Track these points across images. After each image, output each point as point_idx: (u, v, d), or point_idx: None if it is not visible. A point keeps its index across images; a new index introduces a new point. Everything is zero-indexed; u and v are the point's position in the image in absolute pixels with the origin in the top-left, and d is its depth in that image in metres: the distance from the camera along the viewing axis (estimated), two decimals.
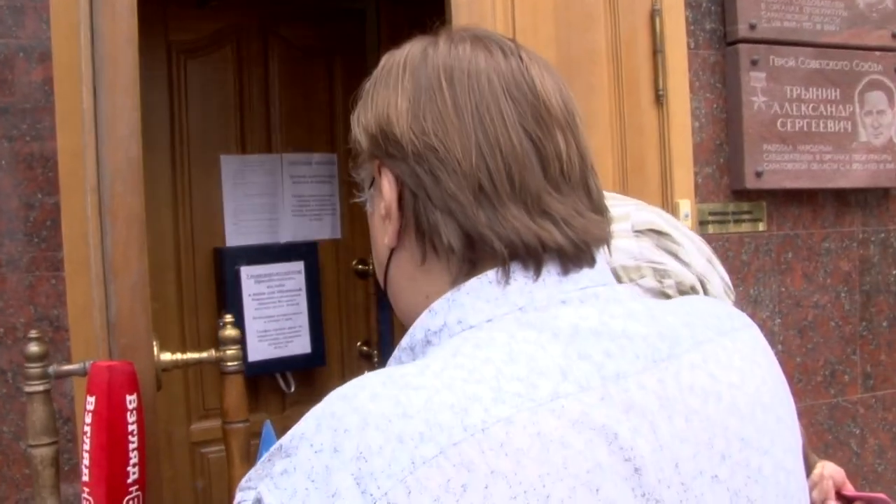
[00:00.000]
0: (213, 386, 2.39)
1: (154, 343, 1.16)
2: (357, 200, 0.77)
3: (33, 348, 1.21)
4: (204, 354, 1.21)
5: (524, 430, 0.56)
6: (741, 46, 2.56)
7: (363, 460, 0.53)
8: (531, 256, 0.65)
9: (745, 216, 2.62)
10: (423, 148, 0.66)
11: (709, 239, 2.60)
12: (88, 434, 1.01)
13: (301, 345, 2.80)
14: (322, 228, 2.84)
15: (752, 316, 0.85)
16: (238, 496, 0.61)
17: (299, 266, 2.76)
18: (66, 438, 1.99)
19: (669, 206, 2.18)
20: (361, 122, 0.73)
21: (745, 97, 2.56)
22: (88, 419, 1.02)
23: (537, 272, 0.65)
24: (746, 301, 2.59)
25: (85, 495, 1.00)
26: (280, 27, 2.66)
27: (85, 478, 1.00)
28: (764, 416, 0.67)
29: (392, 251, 0.72)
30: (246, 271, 2.67)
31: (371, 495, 0.52)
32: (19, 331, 2.17)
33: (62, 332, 2.15)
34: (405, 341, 0.69)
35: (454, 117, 0.66)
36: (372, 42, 2.83)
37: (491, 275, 0.65)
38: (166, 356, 1.19)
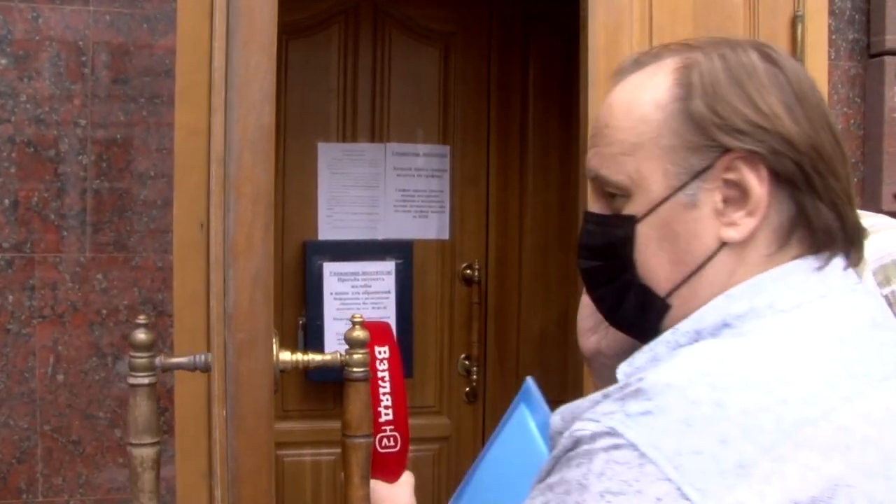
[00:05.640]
0: (290, 387, 2.32)
1: (274, 341, 1.05)
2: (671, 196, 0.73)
3: (140, 336, 1.04)
4: (328, 357, 1.08)
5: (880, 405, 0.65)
6: (887, 59, 2.38)
7: (750, 416, 0.60)
8: (850, 244, 0.73)
9: None
10: (806, 148, 0.70)
11: None
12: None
13: None
14: (427, 227, 2.56)
15: None
16: (576, 425, 0.64)
17: (390, 266, 2.51)
18: (163, 430, 1.94)
19: None
20: (723, 115, 0.72)
21: (887, 113, 2.41)
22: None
23: (845, 259, 0.73)
24: None
25: None
26: (397, 6, 2.47)
27: None
28: None
29: (720, 247, 0.72)
30: (329, 268, 2.47)
31: (762, 445, 0.59)
32: (122, 313, 2.11)
33: (165, 317, 2.07)
34: (686, 325, 0.71)
35: (817, 122, 0.72)
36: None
37: (802, 263, 0.71)
38: (286, 356, 1.07)
